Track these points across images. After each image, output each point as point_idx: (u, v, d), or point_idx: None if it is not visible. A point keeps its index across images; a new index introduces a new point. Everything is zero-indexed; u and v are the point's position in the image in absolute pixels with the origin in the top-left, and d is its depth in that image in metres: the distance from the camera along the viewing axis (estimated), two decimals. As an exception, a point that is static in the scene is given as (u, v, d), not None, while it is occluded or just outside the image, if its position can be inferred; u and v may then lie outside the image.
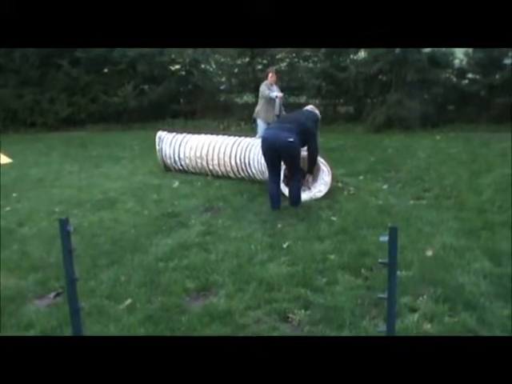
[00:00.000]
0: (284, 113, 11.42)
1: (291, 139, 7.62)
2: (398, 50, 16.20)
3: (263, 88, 11.63)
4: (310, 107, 9.03)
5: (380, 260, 3.23)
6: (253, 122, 12.63)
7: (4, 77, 20.86)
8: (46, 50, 20.27)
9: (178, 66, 21.36)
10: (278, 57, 19.68)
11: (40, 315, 4.89)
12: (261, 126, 11.75)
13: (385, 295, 3.24)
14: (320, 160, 8.59)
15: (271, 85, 11.77)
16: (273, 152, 7.81)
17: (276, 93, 11.38)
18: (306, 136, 7.93)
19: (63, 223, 3.67)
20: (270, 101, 11.44)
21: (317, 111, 8.74)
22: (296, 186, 7.98)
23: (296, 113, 9.16)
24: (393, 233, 3.01)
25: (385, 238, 3.03)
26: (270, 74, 11.92)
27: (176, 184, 9.81)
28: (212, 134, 11.14)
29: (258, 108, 11.93)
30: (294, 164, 7.92)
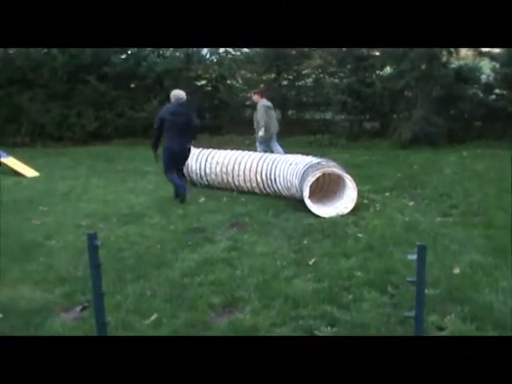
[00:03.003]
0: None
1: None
2: (424, 65, 16.15)
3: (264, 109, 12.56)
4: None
5: (408, 279, 3.21)
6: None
7: (32, 91, 21.11)
8: (74, 65, 20.51)
9: (204, 82, 21.44)
10: (303, 72, 19.73)
11: (66, 328, 4.92)
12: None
13: (412, 313, 3.22)
14: (346, 176, 8.58)
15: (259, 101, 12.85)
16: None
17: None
18: None
19: (91, 238, 3.70)
20: (269, 112, 12.60)
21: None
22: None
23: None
24: (421, 251, 3.00)
25: (413, 256, 3.02)
26: (255, 96, 13.13)
27: (202, 199, 9.84)
28: (238, 149, 11.17)
29: (262, 131, 12.53)
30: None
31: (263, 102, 12.69)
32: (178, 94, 9.96)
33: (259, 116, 12.55)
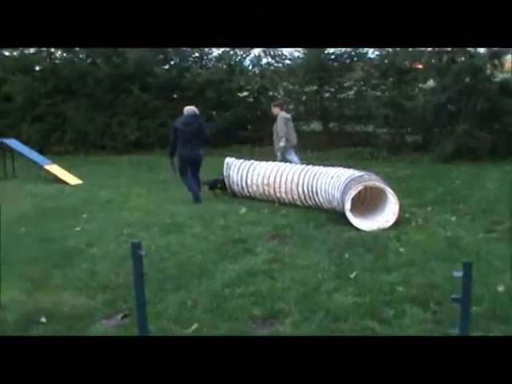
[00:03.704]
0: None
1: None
2: (467, 78, 16.00)
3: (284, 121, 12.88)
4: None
5: (453, 296, 3.18)
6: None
7: (77, 100, 21.43)
8: (117, 75, 20.77)
9: (246, 93, 21.51)
10: (345, 85, 19.67)
11: (108, 335, 4.97)
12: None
13: (455, 331, 3.19)
14: (388, 189, 8.54)
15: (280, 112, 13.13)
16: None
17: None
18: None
19: (135, 247, 3.74)
20: (289, 124, 12.96)
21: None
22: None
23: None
24: (467, 268, 2.97)
25: (458, 273, 2.99)
26: (275, 109, 13.29)
27: (243, 210, 9.86)
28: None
29: (283, 141, 12.78)
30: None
31: (282, 114, 13.01)
32: (190, 108, 11.50)
33: (279, 127, 12.84)
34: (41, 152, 17.11)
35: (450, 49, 16.90)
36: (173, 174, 11.53)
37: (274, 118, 13.13)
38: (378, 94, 18.95)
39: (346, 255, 7.04)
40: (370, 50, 18.83)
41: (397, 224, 8.38)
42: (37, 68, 23.51)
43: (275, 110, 13.31)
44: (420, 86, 18.28)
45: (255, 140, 19.40)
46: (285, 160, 12.48)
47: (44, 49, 23.21)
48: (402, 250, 7.22)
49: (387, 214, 8.49)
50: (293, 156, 13.00)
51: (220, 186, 11.79)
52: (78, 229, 8.94)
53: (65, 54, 23.14)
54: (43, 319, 5.40)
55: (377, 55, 18.79)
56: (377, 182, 8.74)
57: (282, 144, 12.77)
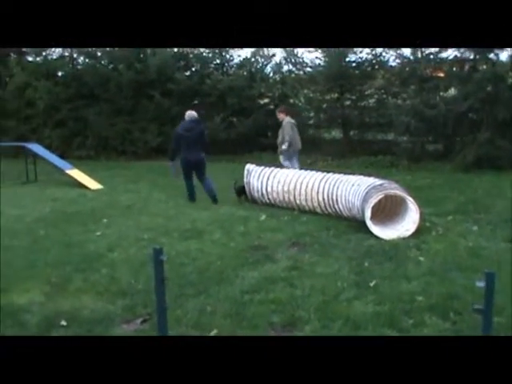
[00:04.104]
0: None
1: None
2: (489, 87, 15.91)
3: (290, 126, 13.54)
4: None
5: (475, 306, 3.16)
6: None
7: (99, 106, 21.59)
8: (139, 81, 20.89)
9: (266, 100, 21.54)
10: (366, 93, 19.64)
11: (128, 340, 4.99)
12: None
13: (477, 342, 3.18)
14: (408, 198, 8.51)
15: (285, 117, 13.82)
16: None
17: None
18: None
19: (157, 252, 3.76)
20: (294, 129, 13.62)
21: None
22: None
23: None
24: (489, 278, 2.96)
25: (481, 284, 2.98)
26: (281, 114, 14.04)
27: (263, 217, 9.86)
28: (299, 168, 11.19)
29: (286, 145, 13.40)
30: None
31: (288, 119, 13.64)
32: (190, 113, 12.03)
33: (285, 132, 13.43)
34: (62, 157, 17.25)
35: (471, 57, 16.85)
36: (175, 176, 11.99)
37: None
38: (399, 102, 18.87)
39: (366, 263, 7.03)
40: (391, 58, 18.81)
41: (417, 233, 8.35)
42: (59, 73, 23.74)
43: (281, 116, 13.94)
44: (441, 94, 18.17)
45: (275, 147, 19.38)
46: (286, 163, 13.11)
47: (67, 54, 23.45)
48: (422, 259, 7.19)
49: (407, 223, 8.46)
50: (294, 161, 13.47)
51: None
52: (98, 233, 9.00)
53: (87, 60, 23.34)
54: (63, 322, 5.45)
55: (398, 63, 18.74)
56: (397, 190, 8.72)
57: (284, 147, 13.35)
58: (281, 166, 12.91)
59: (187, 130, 11.54)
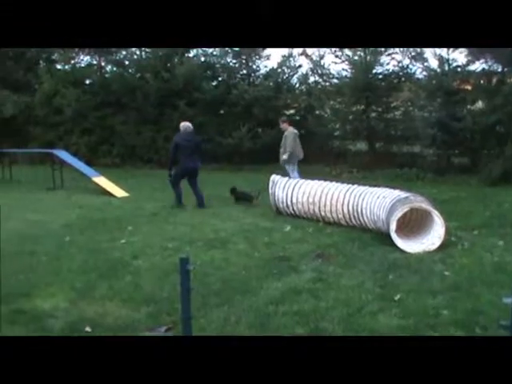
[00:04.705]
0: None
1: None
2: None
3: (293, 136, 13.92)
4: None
5: (502, 322, 3.14)
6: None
7: (125, 114, 21.76)
8: (166, 90, 21.02)
9: (292, 111, 21.58)
10: (392, 105, 19.60)
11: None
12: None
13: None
14: (434, 212, 8.46)
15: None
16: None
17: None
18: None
19: (183, 262, 3.78)
20: (297, 139, 14.00)
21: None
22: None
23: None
24: (517, 295, 2.93)
25: (508, 300, 2.96)
26: (284, 124, 14.42)
27: (287, 228, 9.87)
28: (324, 180, 11.17)
29: (287, 155, 13.80)
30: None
31: (291, 129, 14.02)
32: (186, 124, 12.73)
33: (288, 142, 13.81)
34: (88, 164, 17.38)
35: (499, 69, 16.76)
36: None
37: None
38: (426, 114, 18.77)
39: (391, 276, 6.99)
40: (418, 70, 18.77)
41: (442, 247, 8.29)
42: (87, 81, 24.00)
43: (284, 126, 14.31)
44: (468, 107, 18.09)
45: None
46: (296, 169, 13.62)
47: (95, 62, 23.71)
48: (447, 273, 7.13)
49: (433, 237, 8.40)
50: (295, 172, 13.94)
51: (244, 199, 12.75)
52: (123, 241, 9.06)
53: (114, 68, 23.58)
54: (88, 329, 5.48)
55: (424, 75, 18.69)
56: (423, 203, 8.67)
57: (284, 157, 13.78)
58: (286, 175, 13.25)
59: (187, 140, 12.34)
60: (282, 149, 14.00)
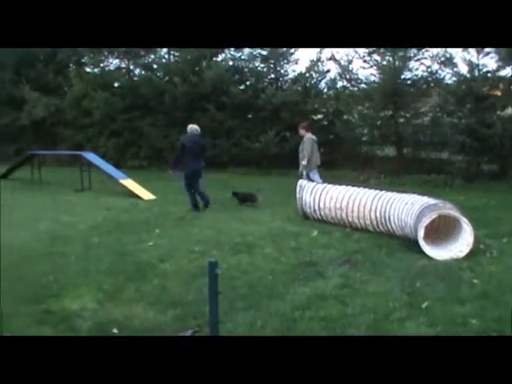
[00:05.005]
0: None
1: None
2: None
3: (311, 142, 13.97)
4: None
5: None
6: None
7: (153, 117, 21.90)
8: (194, 94, 21.12)
9: (320, 116, 21.55)
10: (421, 110, 19.46)
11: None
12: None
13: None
14: (463, 219, 8.38)
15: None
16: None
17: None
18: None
19: (212, 266, 3.79)
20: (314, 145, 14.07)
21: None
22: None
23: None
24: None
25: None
26: (302, 130, 14.47)
27: (314, 233, 9.84)
28: (352, 185, 11.13)
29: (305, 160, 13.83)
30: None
31: (309, 135, 14.04)
32: (194, 127, 13.06)
33: (305, 148, 13.86)
34: (116, 166, 17.51)
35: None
36: (177, 178, 13.22)
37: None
38: (455, 120, 18.61)
39: (418, 284, 6.93)
40: (447, 76, 18.63)
41: (471, 254, 8.21)
42: (116, 84, 24.20)
43: (302, 131, 14.38)
44: (498, 113, 17.90)
45: (328, 163, 19.34)
46: (309, 179, 13.32)
47: (123, 65, 23.89)
48: (475, 281, 7.06)
49: (461, 244, 8.32)
50: (316, 176, 13.91)
51: (248, 200, 13.13)
52: (150, 243, 9.11)
53: (143, 72, 23.74)
54: (115, 330, 5.52)
55: (454, 81, 18.54)
56: (451, 210, 8.60)
57: (303, 163, 13.77)
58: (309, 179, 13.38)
59: (193, 142, 12.66)
60: (300, 154, 14.13)
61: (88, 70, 25.52)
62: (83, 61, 25.90)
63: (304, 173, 13.82)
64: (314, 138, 14.17)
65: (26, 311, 6.03)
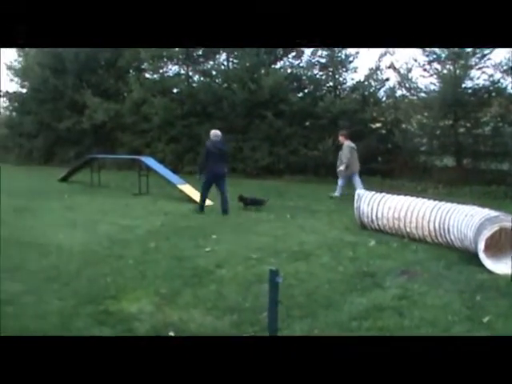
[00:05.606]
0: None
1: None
2: None
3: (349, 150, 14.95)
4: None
5: None
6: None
7: (212, 123, 22.06)
8: (252, 101, 21.22)
9: (378, 124, 21.41)
10: (482, 120, 19.14)
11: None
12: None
13: None
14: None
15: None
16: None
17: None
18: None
19: (273, 274, 3.79)
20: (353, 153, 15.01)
21: None
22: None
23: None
24: None
25: None
26: (341, 137, 15.53)
27: (372, 243, 9.75)
28: (410, 195, 11.01)
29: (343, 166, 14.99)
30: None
31: (348, 143, 14.81)
32: (217, 133, 13.25)
33: (344, 155, 14.69)
34: (174, 171, 17.68)
35: None
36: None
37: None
38: (517, 130, 18.26)
39: (478, 298, 6.80)
40: (510, 85, 18.28)
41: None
42: (175, 90, 24.47)
43: (341, 139, 15.20)
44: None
45: (385, 172, 19.21)
46: (346, 184, 14.63)
47: (182, 72, 24.17)
48: (538, 297, 6.90)
49: (524, 257, 8.15)
50: (357, 182, 14.99)
51: (256, 203, 13.60)
52: (207, 249, 9.17)
53: (202, 78, 23.96)
54: (171, 333, 5.56)
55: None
56: (513, 223, 8.43)
57: (341, 168, 14.63)
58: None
59: (216, 147, 12.95)
60: (338, 161, 14.76)
61: (147, 75, 25.91)
62: (143, 67, 26.32)
63: (339, 178, 14.62)
64: (352, 145, 14.81)
65: (85, 312, 6.17)
